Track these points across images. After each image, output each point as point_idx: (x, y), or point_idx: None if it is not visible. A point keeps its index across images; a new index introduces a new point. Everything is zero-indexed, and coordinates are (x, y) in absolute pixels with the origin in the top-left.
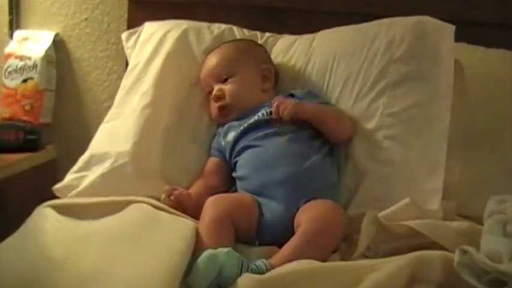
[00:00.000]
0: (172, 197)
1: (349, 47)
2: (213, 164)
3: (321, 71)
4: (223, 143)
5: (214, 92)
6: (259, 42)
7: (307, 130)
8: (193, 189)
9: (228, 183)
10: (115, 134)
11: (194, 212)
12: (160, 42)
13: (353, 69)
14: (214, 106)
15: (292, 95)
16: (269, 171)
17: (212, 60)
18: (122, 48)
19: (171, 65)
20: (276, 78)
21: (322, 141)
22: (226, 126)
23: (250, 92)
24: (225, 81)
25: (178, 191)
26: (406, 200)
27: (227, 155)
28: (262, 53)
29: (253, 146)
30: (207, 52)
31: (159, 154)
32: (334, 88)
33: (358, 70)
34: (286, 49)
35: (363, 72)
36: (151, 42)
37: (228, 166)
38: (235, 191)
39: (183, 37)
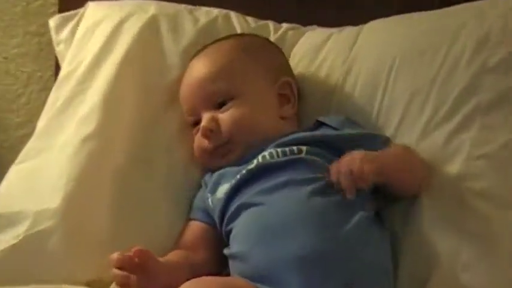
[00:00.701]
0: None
1: (416, 48)
2: (196, 231)
3: (369, 87)
4: (211, 200)
5: (203, 124)
6: (272, 38)
7: None
8: (168, 257)
9: (218, 263)
10: (35, 182)
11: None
12: (114, 34)
13: (421, 83)
14: (203, 144)
15: (320, 124)
16: (279, 245)
17: (199, 70)
18: (49, 42)
19: (130, 72)
20: (299, 97)
21: (366, 193)
22: (217, 173)
23: (262, 122)
24: (220, 106)
25: (138, 248)
26: None
27: (217, 219)
28: (279, 59)
29: (255, 205)
30: (191, 55)
31: (107, 215)
32: (390, 113)
33: (429, 85)
34: (314, 50)
35: (438, 89)
36: (99, 34)
37: (219, 236)
38: (228, 275)
39: (150, 27)
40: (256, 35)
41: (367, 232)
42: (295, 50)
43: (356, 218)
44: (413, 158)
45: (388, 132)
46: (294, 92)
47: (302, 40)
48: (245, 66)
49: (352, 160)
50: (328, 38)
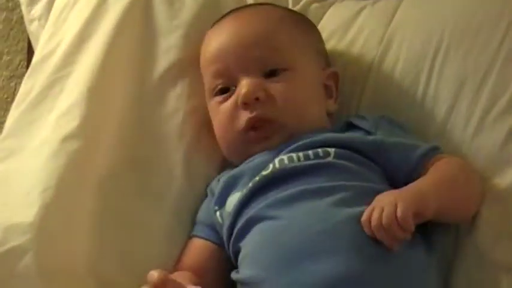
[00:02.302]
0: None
1: (469, 23)
2: (201, 251)
3: (411, 71)
4: (219, 215)
5: (245, 90)
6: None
7: (372, 173)
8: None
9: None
10: (4, 190)
11: None
12: (98, 10)
13: (475, 65)
14: (237, 117)
15: (350, 125)
16: (304, 270)
17: (244, 28)
18: (20, 19)
19: (119, 55)
20: None
21: None
22: (226, 177)
23: (315, 109)
24: (269, 75)
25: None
26: None
27: (224, 236)
28: (323, 44)
29: (269, 218)
30: (192, 35)
31: (91, 232)
32: (437, 103)
33: (486, 68)
34: (343, 27)
35: (496, 73)
36: (80, 9)
37: (227, 257)
38: None
39: (141, 1)
40: (293, 11)
41: (412, 253)
42: (320, 26)
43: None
44: (465, 180)
45: (434, 127)
46: (338, 85)
47: (328, 14)
48: (299, 38)
49: (384, 208)
50: (361, 11)
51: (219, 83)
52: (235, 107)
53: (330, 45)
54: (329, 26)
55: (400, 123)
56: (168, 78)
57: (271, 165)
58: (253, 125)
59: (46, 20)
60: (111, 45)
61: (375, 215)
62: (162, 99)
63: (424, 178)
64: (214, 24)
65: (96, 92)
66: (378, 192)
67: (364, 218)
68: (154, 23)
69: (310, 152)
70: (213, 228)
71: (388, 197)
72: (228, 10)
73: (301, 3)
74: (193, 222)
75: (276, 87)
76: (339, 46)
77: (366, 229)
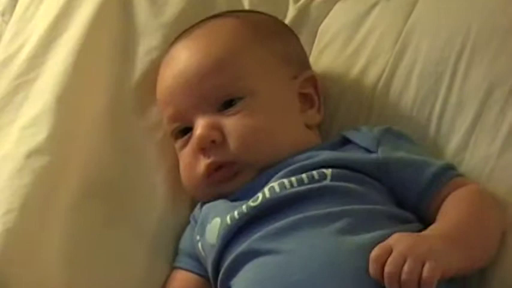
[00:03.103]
0: None
1: (498, 19)
2: (185, 284)
3: (431, 75)
4: (201, 246)
5: (200, 132)
6: (291, 10)
7: (376, 193)
8: None
9: None
10: None
11: None
12: (70, 4)
13: (505, 69)
14: (196, 162)
15: (346, 140)
16: None
17: (192, 57)
18: None
19: (93, 56)
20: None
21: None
22: (208, 205)
23: (285, 132)
24: (224, 107)
25: None
26: None
27: (210, 272)
28: (297, 47)
29: (264, 253)
30: (175, 36)
31: (59, 262)
32: (459, 112)
33: None
34: (353, 25)
35: None
36: (50, 3)
37: None
38: None
39: None
40: (263, 13)
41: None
42: (324, 25)
43: None
44: (487, 221)
45: (455, 140)
46: (319, 91)
47: (334, 11)
48: (257, 55)
49: (408, 259)
50: (373, 7)
51: (176, 127)
52: (194, 153)
53: (334, 48)
54: (334, 25)
55: (409, 136)
56: (149, 84)
57: (260, 195)
58: (213, 170)
59: (10, 15)
60: (84, 45)
61: (393, 262)
62: (141, 110)
63: (450, 224)
64: (175, 41)
65: (65, 100)
66: (386, 214)
67: (375, 255)
68: (134, 21)
69: (303, 176)
70: (198, 259)
71: (418, 248)
72: (216, 6)
73: (302, 0)
74: (175, 251)
75: (231, 122)
76: (345, 49)
77: (371, 267)
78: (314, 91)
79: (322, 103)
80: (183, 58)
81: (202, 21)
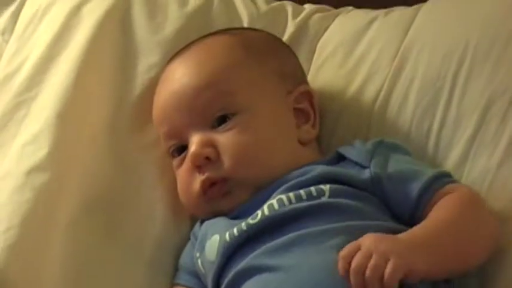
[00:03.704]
0: None
1: (497, 32)
2: None
3: (430, 90)
4: (201, 263)
5: (194, 149)
6: (290, 24)
7: (374, 209)
8: None
9: None
10: None
11: None
12: (70, 22)
13: (505, 82)
14: (193, 180)
15: (340, 156)
16: None
17: (186, 74)
18: None
19: (93, 74)
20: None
21: None
22: (207, 222)
23: (279, 150)
24: (218, 123)
25: None
26: None
27: (210, 287)
28: (292, 62)
29: (264, 270)
30: (171, 56)
31: (59, 281)
32: (459, 126)
33: None
34: (351, 41)
35: None
36: (50, 21)
37: None
38: None
39: (119, 11)
40: (259, 30)
41: None
42: (323, 41)
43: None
44: (473, 223)
45: (454, 154)
46: (315, 105)
47: (333, 26)
48: (250, 71)
49: (373, 256)
50: (371, 22)
51: (172, 144)
52: (190, 171)
53: (333, 63)
54: (333, 40)
55: (403, 147)
56: (148, 101)
57: (259, 213)
58: (207, 186)
59: (10, 34)
60: (84, 63)
61: (359, 259)
62: (141, 127)
63: (424, 224)
64: (171, 59)
65: (65, 117)
66: (383, 229)
67: (344, 253)
68: (133, 38)
69: (301, 192)
70: (197, 275)
71: (382, 244)
72: (215, 22)
73: (302, 15)
74: (175, 268)
75: (225, 139)
76: (344, 64)
77: (340, 264)
78: (309, 106)
79: (317, 118)
80: (177, 76)
81: (197, 39)
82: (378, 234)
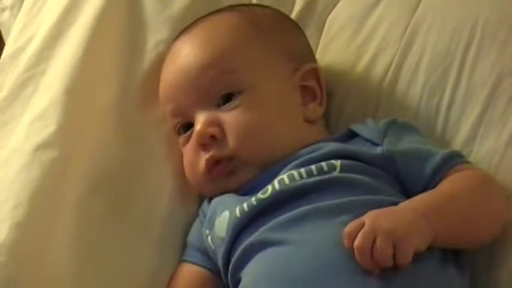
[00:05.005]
0: None
1: (507, 11)
2: (192, 280)
3: (439, 67)
4: (210, 239)
5: (199, 128)
6: (297, 3)
7: (385, 184)
8: None
9: None
10: None
11: None
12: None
13: None
14: (199, 158)
15: (353, 133)
16: None
17: (191, 52)
18: None
19: (101, 50)
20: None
21: None
22: (216, 199)
23: (283, 128)
24: (223, 102)
25: None
26: None
27: (221, 266)
28: (299, 40)
29: (273, 244)
30: (178, 34)
31: (69, 255)
32: (467, 104)
33: None
34: (359, 18)
35: None
36: None
37: (223, 286)
38: None
39: None
40: (267, 7)
41: (440, 281)
42: (331, 17)
43: (424, 259)
44: (483, 198)
45: (463, 132)
46: (322, 83)
47: (342, 2)
48: (256, 49)
49: (370, 233)
50: (376, 2)
51: (178, 122)
52: (195, 149)
53: (340, 41)
54: (342, 16)
55: (415, 127)
56: (156, 77)
57: (270, 187)
58: (212, 165)
59: (19, 9)
60: (92, 38)
61: (361, 237)
62: (149, 103)
63: (433, 193)
64: (177, 36)
65: (74, 93)
66: (394, 205)
67: (348, 230)
68: (142, 14)
69: (313, 167)
70: (206, 253)
71: (385, 222)
72: (224, 2)
73: None
74: (184, 245)
75: (230, 118)
76: (352, 42)
77: (345, 242)
78: (316, 83)
79: (324, 96)
80: (183, 54)
81: (203, 16)
82: (379, 210)
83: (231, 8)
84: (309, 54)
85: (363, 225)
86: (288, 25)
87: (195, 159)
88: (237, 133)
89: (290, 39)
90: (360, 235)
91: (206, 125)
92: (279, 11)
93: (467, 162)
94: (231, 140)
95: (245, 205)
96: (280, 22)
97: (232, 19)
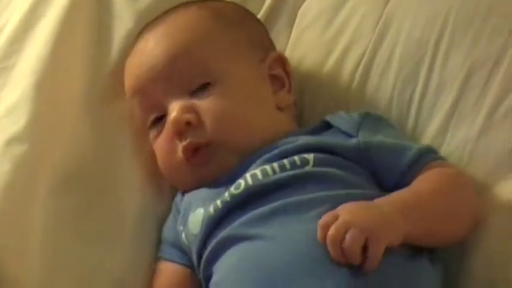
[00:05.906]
0: None
1: (477, 5)
2: (169, 278)
3: (411, 59)
4: (184, 235)
5: (175, 114)
6: (265, 0)
7: (359, 177)
8: None
9: None
10: None
11: None
12: None
13: (486, 52)
14: (175, 148)
15: (327, 125)
16: None
17: (159, 43)
18: None
19: (71, 42)
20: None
21: None
22: (190, 194)
23: (257, 116)
24: (196, 91)
25: None
26: None
27: (195, 261)
28: (261, 30)
29: (246, 238)
30: (141, 29)
31: (40, 254)
32: (439, 96)
33: (497, 54)
34: (331, 9)
35: (508, 61)
36: None
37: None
38: None
39: None
40: (226, 1)
41: (412, 271)
42: (303, 9)
43: (395, 249)
44: (454, 196)
45: (435, 123)
46: (288, 70)
47: (308, 2)
48: (222, 39)
49: (343, 225)
50: None
51: (149, 116)
52: (170, 139)
53: (312, 33)
54: (313, 8)
55: (388, 121)
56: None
57: (242, 182)
58: (191, 152)
59: None
60: (61, 31)
61: (335, 228)
62: (118, 96)
63: (405, 192)
64: (141, 31)
65: (44, 87)
66: (368, 198)
67: (322, 222)
68: (111, 6)
69: (285, 162)
70: (181, 248)
71: (360, 214)
72: None
73: None
74: (159, 237)
75: (205, 104)
76: (324, 34)
77: (318, 233)
78: (283, 71)
79: (292, 83)
80: (149, 47)
81: (166, 11)
82: (355, 203)
83: (192, 2)
84: (270, 45)
85: (337, 217)
86: (248, 17)
87: (171, 149)
88: (213, 118)
89: (252, 30)
90: (333, 226)
91: (182, 112)
92: (238, 4)
93: (441, 158)
94: (209, 125)
95: (219, 202)
96: (241, 14)
97: (196, 12)
